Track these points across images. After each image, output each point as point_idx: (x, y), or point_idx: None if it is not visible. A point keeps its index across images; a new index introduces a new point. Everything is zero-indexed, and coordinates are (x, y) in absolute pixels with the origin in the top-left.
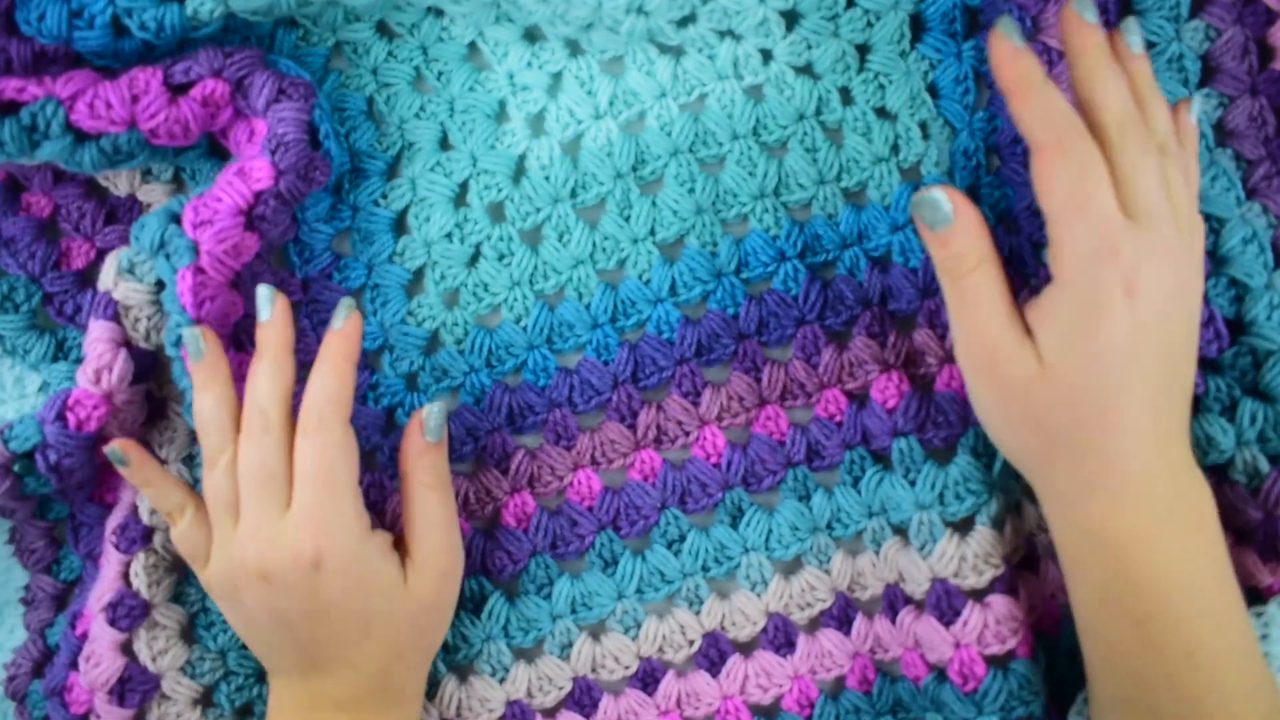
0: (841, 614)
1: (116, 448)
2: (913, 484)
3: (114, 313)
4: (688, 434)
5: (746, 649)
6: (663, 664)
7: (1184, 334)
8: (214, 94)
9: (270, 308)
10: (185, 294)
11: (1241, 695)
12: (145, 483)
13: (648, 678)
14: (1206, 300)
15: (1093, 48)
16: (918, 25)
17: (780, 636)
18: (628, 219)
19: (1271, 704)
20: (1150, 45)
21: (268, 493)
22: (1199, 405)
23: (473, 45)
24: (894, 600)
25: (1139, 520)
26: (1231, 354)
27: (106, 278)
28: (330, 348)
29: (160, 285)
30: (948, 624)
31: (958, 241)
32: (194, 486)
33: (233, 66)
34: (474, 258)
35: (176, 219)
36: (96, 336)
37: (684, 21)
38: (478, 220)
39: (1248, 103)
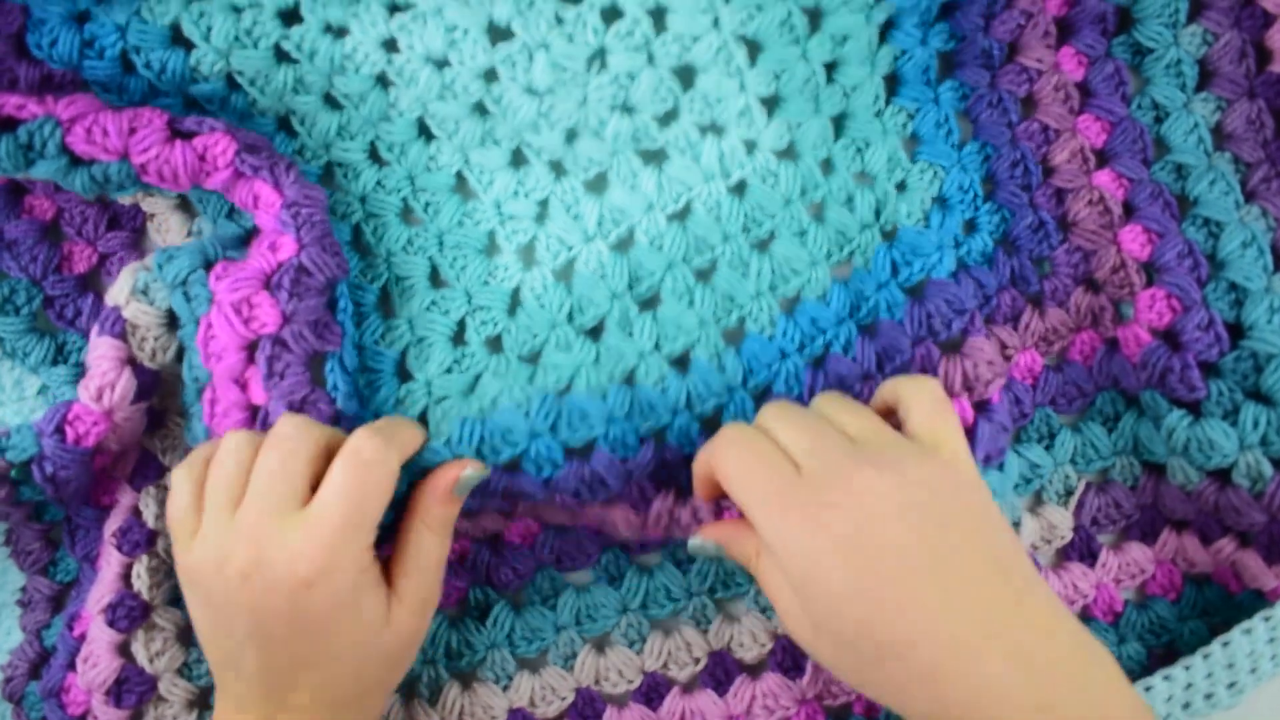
0: None
1: None
2: None
3: (121, 330)
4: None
5: (754, 670)
6: (667, 680)
7: (932, 521)
8: (217, 148)
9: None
10: (203, 341)
11: None
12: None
13: (651, 693)
14: (1206, 304)
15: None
16: (892, 80)
17: (788, 659)
18: (630, 335)
19: None
20: (1148, 51)
21: (281, 494)
22: (1201, 410)
23: (459, 175)
24: None
25: (983, 699)
26: (1232, 358)
27: (119, 294)
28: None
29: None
30: None
31: (734, 553)
32: None
33: (245, 134)
34: (473, 386)
35: (208, 266)
36: (101, 354)
37: (667, 118)
38: (475, 354)
39: (1245, 106)
